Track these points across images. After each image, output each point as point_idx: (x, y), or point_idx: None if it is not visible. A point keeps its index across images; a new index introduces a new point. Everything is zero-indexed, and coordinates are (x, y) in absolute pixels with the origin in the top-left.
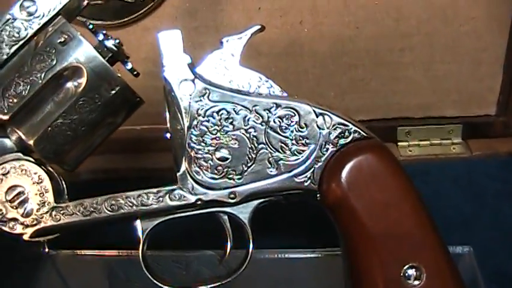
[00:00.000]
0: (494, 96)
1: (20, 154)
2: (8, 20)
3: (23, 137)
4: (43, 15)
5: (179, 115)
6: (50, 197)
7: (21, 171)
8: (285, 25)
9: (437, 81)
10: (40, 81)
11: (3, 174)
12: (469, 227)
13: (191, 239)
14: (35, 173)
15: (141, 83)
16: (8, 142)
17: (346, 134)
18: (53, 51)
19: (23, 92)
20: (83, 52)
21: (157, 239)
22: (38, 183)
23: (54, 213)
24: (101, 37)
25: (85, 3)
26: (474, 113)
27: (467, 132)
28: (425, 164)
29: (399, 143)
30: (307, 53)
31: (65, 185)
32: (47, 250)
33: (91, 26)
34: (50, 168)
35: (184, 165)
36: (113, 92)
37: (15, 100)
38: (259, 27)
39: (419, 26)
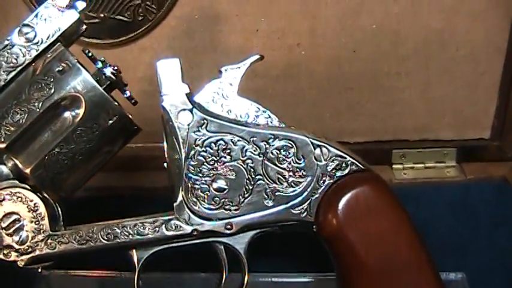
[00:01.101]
0: (489, 120)
1: (16, 181)
2: (6, 45)
3: (20, 165)
4: (42, 42)
5: (177, 145)
6: (45, 224)
7: (17, 198)
8: (282, 47)
9: (433, 104)
10: (38, 110)
11: None
12: (464, 252)
13: (186, 260)
14: (31, 201)
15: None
16: (4, 169)
17: (343, 166)
18: (51, 79)
19: (21, 121)
20: (81, 81)
21: (152, 260)
22: (33, 210)
23: (49, 241)
24: (99, 65)
25: (83, 28)
26: (469, 136)
27: (462, 155)
28: (420, 187)
29: (394, 166)
30: (304, 75)
31: (60, 212)
32: (40, 270)
33: (90, 54)
34: (45, 195)
35: (181, 195)
36: (111, 121)
37: (12, 128)
38: (258, 56)
39: (417, 49)
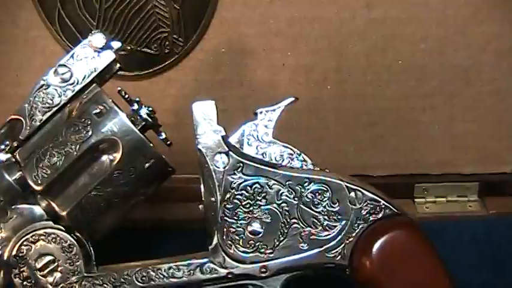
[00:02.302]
0: None
1: (50, 223)
2: (42, 85)
3: (56, 208)
4: (77, 82)
5: (212, 188)
6: (80, 266)
7: (52, 239)
8: (308, 82)
9: (456, 140)
10: (75, 153)
11: (33, 242)
12: None
13: None
14: (65, 242)
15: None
16: (38, 209)
17: (377, 210)
18: (89, 122)
19: (57, 163)
20: (119, 125)
21: None
22: (68, 251)
23: (84, 283)
24: (135, 106)
25: (117, 67)
26: (491, 171)
27: (484, 189)
28: (442, 222)
29: (416, 200)
30: (329, 110)
31: (92, 251)
32: None
33: (126, 96)
34: (78, 235)
35: (216, 238)
36: (148, 164)
37: (49, 171)
38: (293, 99)
39: (442, 86)
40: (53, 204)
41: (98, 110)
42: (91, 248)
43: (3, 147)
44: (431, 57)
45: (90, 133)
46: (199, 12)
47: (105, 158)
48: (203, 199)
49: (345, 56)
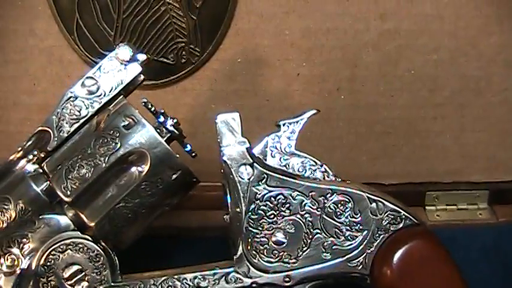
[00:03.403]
0: None
1: (78, 233)
2: (70, 97)
3: (85, 219)
4: (104, 94)
5: (237, 199)
6: (107, 275)
7: (79, 248)
8: (322, 91)
9: (466, 149)
10: (104, 165)
11: (61, 252)
12: None
13: None
14: (93, 251)
15: (177, 143)
16: (65, 219)
17: (398, 220)
18: (117, 134)
19: (87, 175)
20: (147, 137)
21: None
22: (95, 261)
23: None
24: (161, 119)
25: (141, 78)
26: (501, 179)
27: (494, 197)
28: (452, 230)
29: (427, 207)
30: (342, 120)
31: (117, 261)
32: None
33: (152, 108)
34: (103, 244)
35: (241, 248)
36: (175, 176)
37: (78, 183)
38: (315, 111)
39: (453, 96)
40: (82, 215)
41: (126, 122)
42: (116, 258)
43: (31, 157)
44: (443, 68)
45: (118, 145)
46: (216, 23)
47: (133, 169)
48: (229, 210)
49: (358, 67)
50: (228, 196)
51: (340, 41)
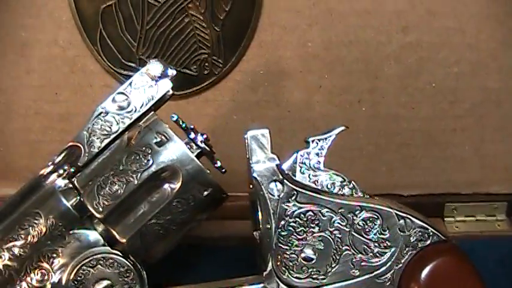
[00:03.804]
0: None
1: (108, 248)
2: (101, 113)
3: (117, 235)
4: (135, 110)
5: (267, 215)
6: None
7: (109, 264)
8: (343, 103)
9: (485, 160)
10: (136, 182)
11: (91, 267)
12: None
13: None
14: (123, 267)
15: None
16: (95, 234)
17: (426, 236)
18: (149, 151)
19: (118, 191)
20: (179, 154)
21: None
22: (125, 276)
23: None
24: (192, 135)
25: (171, 93)
26: None
27: None
28: (471, 241)
29: (446, 219)
30: (362, 131)
31: (145, 275)
32: None
33: (183, 124)
34: (133, 259)
35: (271, 264)
36: (206, 192)
37: (110, 199)
38: (343, 128)
39: (473, 108)
40: (113, 232)
41: (158, 139)
42: (144, 273)
43: (61, 172)
44: (463, 80)
45: (150, 162)
46: (239, 35)
47: (165, 186)
48: (260, 226)
49: (379, 79)
50: (259, 212)
51: (362, 53)
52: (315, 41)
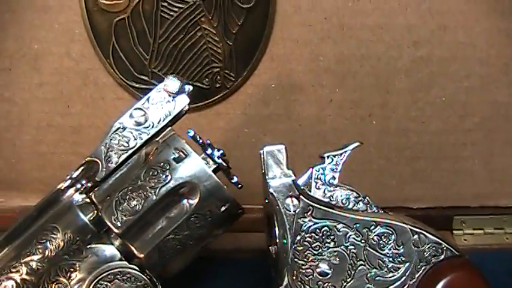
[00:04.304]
0: None
1: (125, 262)
2: (118, 128)
3: (135, 251)
4: (152, 126)
5: (283, 231)
6: None
7: (127, 278)
8: (354, 117)
9: (494, 174)
10: (154, 197)
11: (109, 281)
12: None
13: None
14: (140, 281)
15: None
16: (112, 249)
17: (439, 252)
18: (167, 167)
19: (137, 207)
20: (197, 170)
21: None
22: None
23: None
24: (209, 151)
25: (187, 108)
26: None
27: None
28: (479, 254)
29: (454, 232)
30: (373, 145)
31: None
32: None
33: (200, 140)
34: (149, 274)
35: (287, 279)
36: (223, 208)
37: (128, 214)
38: (358, 144)
39: (483, 122)
40: (131, 247)
41: (176, 155)
42: (160, 287)
43: (78, 186)
44: (474, 94)
45: (169, 178)
46: (251, 48)
47: (183, 202)
48: (277, 240)
49: (390, 93)
50: (276, 228)
51: (374, 68)
52: (327, 55)
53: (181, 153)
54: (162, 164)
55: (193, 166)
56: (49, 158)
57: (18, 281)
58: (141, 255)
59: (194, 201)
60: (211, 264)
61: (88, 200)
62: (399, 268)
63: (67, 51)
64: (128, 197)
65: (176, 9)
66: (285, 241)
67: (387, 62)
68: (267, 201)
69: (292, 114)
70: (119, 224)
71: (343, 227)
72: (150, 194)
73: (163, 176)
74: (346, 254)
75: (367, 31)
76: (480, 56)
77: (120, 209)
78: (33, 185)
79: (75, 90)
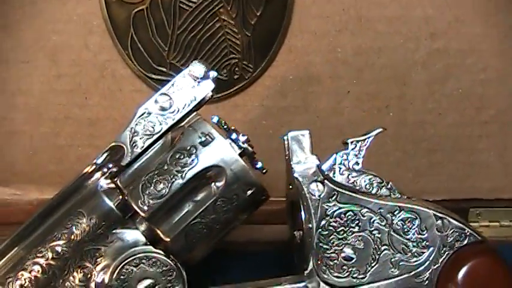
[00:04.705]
0: None
1: (151, 247)
2: (143, 113)
3: (161, 235)
4: (178, 111)
5: (308, 215)
6: None
7: (152, 263)
8: (371, 109)
9: (509, 167)
10: (181, 181)
11: (135, 266)
12: None
13: None
14: (165, 266)
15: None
16: (137, 234)
17: (463, 237)
18: (194, 151)
19: (163, 191)
20: (224, 154)
21: None
22: (168, 275)
23: None
24: (234, 136)
25: (211, 94)
26: None
27: None
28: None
29: (470, 224)
30: (390, 137)
31: (185, 275)
32: None
33: (225, 126)
34: (173, 259)
35: (311, 264)
36: (250, 192)
37: (155, 198)
38: (381, 129)
39: (498, 115)
40: (157, 231)
41: (202, 139)
42: (184, 272)
43: (103, 171)
44: (490, 87)
45: (195, 161)
46: (270, 40)
47: (210, 186)
48: (303, 225)
49: (407, 85)
50: (302, 212)
51: (391, 60)
52: (345, 47)
53: (207, 137)
54: (188, 147)
55: (220, 150)
56: (66, 150)
57: (44, 265)
58: (168, 239)
59: (221, 185)
60: (226, 256)
61: (113, 185)
62: (423, 253)
63: (85, 43)
64: (154, 180)
65: (195, 0)
66: (310, 226)
67: (404, 54)
68: (290, 187)
69: (309, 106)
70: (145, 208)
71: (367, 211)
72: (176, 178)
73: (190, 160)
74: (370, 239)
75: (385, 23)
76: (496, 48)
77: (147, 192)
78: (50, 177)
79: (93, 82)
